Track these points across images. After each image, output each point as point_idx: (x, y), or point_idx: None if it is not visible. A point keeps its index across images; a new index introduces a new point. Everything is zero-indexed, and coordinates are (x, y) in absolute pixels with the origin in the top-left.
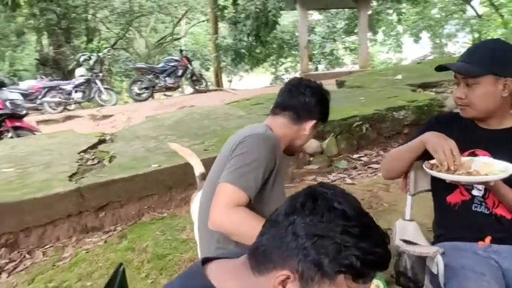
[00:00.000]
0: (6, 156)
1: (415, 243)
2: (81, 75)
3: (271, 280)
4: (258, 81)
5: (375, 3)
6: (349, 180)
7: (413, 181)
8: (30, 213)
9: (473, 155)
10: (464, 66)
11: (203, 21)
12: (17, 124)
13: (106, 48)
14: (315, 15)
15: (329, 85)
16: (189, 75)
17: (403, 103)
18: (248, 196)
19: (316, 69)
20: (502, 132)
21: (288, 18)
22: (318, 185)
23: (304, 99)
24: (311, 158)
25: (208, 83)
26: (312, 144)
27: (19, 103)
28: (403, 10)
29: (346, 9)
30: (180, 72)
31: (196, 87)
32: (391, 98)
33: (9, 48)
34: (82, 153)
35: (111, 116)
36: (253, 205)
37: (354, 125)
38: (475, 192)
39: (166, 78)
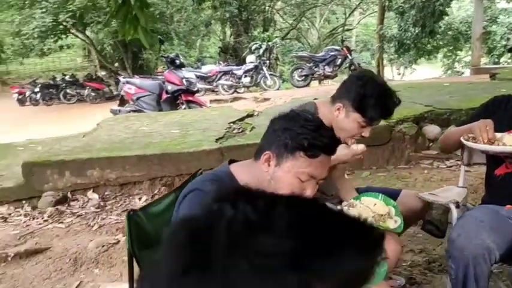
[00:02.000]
0: (177, 122)
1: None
2: (251, 62)
3: (261, 159)
4: (432, 74)
5: None
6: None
7: (467, 155)
8: (184, 163)
9: None
10: None
11: (376, 11)
12: (190, 98)
13: (276, 38)
14: (502, 4)
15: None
16: (347, 65)
17: None
18: None
19: (497, 63)
20: None
21: (471, 9)
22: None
23: (350, 87)
24: (431, 144)
25: None
26: (434, 130)
27: (193, 81)
28: None
29: None
30: (338, 62)
31: None
32: None
33: (198, 37)
34: (231, 124)
35: (270, 99)
36: None
37: None
38: None
39: (325, 67)
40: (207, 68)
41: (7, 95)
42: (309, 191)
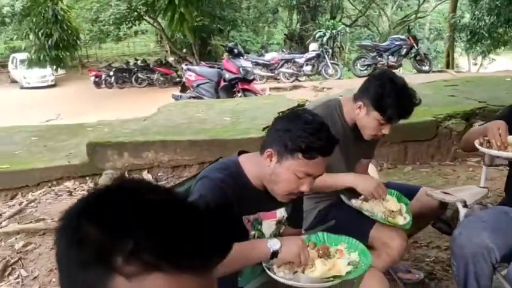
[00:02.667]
0: (230, 109)
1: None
2: (313, 50)
3: (264, 155)
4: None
5: None
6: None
7: (488, 155)
8: (231, 150)
9: None
10: None
11: None
12: (246, 87)
13: (342, 25)
14: None
15: None
16: (413, 55)
17: None
18: None
19: None
20: None
21: None
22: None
23: (369, 87)
24: None
25: (439, 65)
26: None
27: (250, 70)
28: None
29: None
30: (404, 51)
31: (419, 67)
32: None
33: (265, 24)
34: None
35: (330, 88)
36: None
37: None
38: None
39: (389, 57)
40: (270, 56)
41: (86, 77)
42: (305, 187)
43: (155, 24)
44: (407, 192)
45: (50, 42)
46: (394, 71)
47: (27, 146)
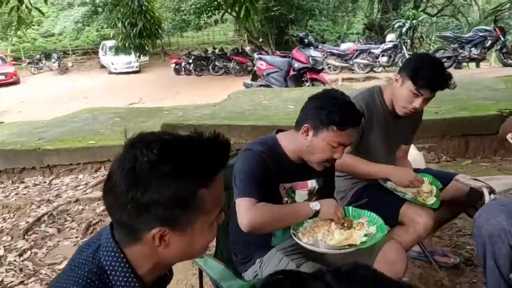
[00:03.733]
0: (295, 98)
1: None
2: (390, 41)
3: (301, 130)
4: None
5: None
6: None
7: None
8: None
9: None
10: None
11: None
12: (314, 76)
13: (424, 15)
14: None
15: None
16: (498, 47)
17: None
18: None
19: None
20: None
21: None
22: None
23: (409, 61)
24: None
25: None
26: None
27: (319, 60)
28: None
29: None
30: (488, 43)
31: (505, 60)
32: None
33: (344, 14)
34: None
35: None
36: (359, 155)
37: None
38: None
39: (472, 49)
40: (345, 46)
41: (168, 64)
42: (338, 155)
43: (233, 13)
44: (445, 179)
45: (134, 31)
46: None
47: (110, 126)
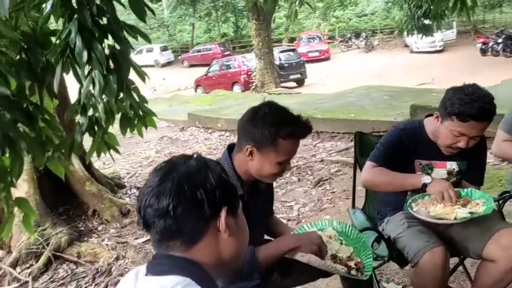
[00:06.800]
0: None
1: None
2: None
3: (433, 117)
4: None
5: None
6: None
7: None
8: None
9: None
10: None
11: None
12: None
13: None
14: None
15: None
16: None
17: None
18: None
19: None
20: None
21: None
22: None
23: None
24: None
25: None
26: None
27: None
28: None
29: None
30: None
31: None
32: None
33: None
34: None
35: None
36: None
37: None
38: None
39: None
40: None
41: (475, 43)
42: (461, 144)
43: None
44: None
45: (419, 12)
46: None
47: (377, 103)
